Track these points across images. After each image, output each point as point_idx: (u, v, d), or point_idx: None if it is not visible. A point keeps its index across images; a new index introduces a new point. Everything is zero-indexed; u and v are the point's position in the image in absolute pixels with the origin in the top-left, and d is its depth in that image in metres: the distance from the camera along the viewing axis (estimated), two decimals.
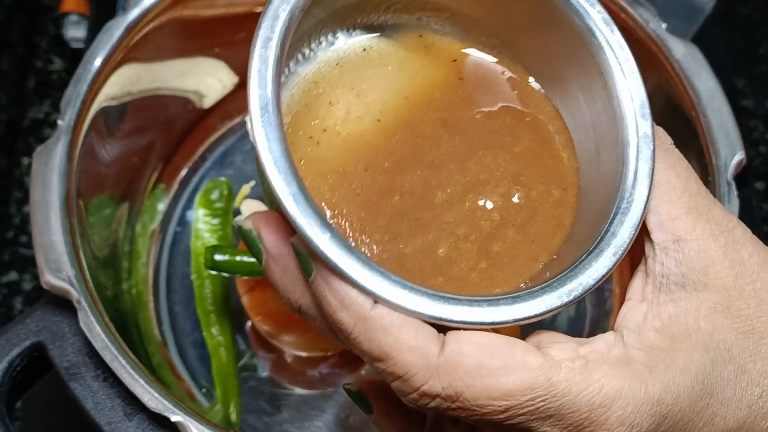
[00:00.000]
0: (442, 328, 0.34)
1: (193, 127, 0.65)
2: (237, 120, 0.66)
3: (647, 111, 0.38)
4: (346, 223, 0.38)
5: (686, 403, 0.35)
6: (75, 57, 0.79)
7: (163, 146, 0.63)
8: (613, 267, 0.36)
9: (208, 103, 0.65)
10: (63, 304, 0.47)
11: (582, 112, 0.41)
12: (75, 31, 0.77)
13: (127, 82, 0.56)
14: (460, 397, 0.33)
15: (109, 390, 0.46)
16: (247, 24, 0.62)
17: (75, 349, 0.47)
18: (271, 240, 0.36)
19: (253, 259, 0.53)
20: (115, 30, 0.54)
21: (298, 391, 0.59)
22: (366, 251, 0.38)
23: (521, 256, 0.40)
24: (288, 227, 0.36)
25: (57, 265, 0.47)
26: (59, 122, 0.51)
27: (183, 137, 0.65)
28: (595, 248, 0.36)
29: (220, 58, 0.63)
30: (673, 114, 0.54)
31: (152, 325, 0.60)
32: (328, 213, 0.37)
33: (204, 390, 0.58)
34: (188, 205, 0.64)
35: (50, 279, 0.46)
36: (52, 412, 0.60)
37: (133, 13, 0.55)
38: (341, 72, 0.40)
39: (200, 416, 0.44)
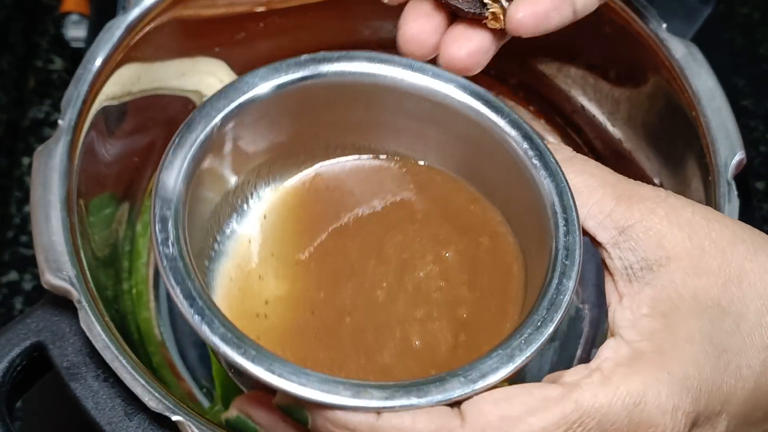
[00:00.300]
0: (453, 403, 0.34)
1: None
2: None
3: (526, 129, 0.39)
4: (324, 370, 0.38)
5: (709, 367, 0.35)
6: (75, 57, 0.79)
7: (164, 146, 0.62)
8: (577, 276, 0.36)
9: None
10: (63, 304, 0.47)
11: (474, 165, 0.41)
12: (75, 31, 0.77)
13: (128, 81, 0.56)
14: None
15: (110, 390, 0.46)
16: (247, 24, 0.62)
17: (75, 349, 0.47)
18: (260, 413, 0.37)
19: None
20: (115, 30, 0.54)
21: None
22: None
23: (490, 313, 0.40)
24: (268, 394, 0.36)
25: (57, 264, 0.47)
26: (60, 122, 0.51)
27: None
28: (550, 278, 0.37)
29: (220, 57, 0.63)
30: (673, 114, 0.54)
31: (152, 325, 0.60)
32: None
33: (204, 390, 0.58)
34: None
35: (50, 279, 0.46)
36: (53, 412, 0.60)
37: (134, 13, 0.55)
38: (254, 248, 0.41)
39: (201, 416, 0.44)
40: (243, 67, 0.65)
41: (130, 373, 0.45)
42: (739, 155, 0.51)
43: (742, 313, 0.36)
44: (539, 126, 0.66)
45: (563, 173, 0.38)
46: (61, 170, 0.50)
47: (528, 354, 0.35)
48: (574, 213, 0.37)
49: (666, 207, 0.37)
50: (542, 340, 0.35)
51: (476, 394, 0.34)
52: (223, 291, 0.40)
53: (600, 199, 0.38)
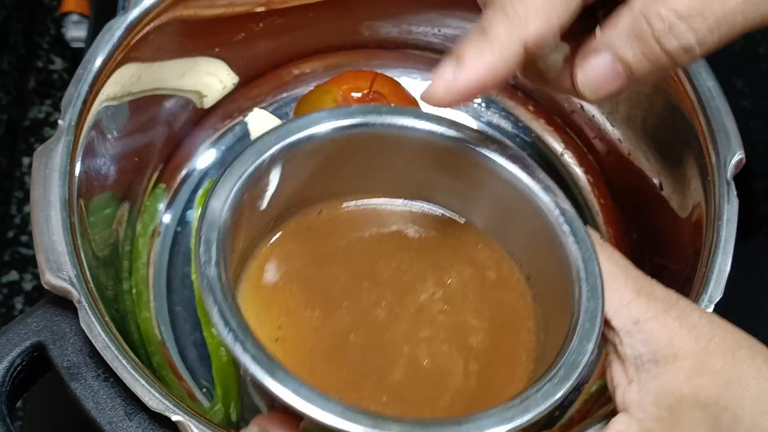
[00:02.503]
0: None
1: (193, 127, 0.65)
2: (237, 120, 0.66)
3: (560, 196, 0.40)
4: (339, 392, 0.39)
5: None
6: (75, 57, 0.79)
7: (164, 146, 0.63)
8: (597, 340, 0.38)
9: (208, 102, 0.65)
10: (63, 304, 0.47)
11: (503, 225, 0.43)
12: (76, 31, 0.77)
13: (128, 81, 0.56)
14: None
15: (110, 390, 0.46)
16: (247, 24, 0.62)
17: (75, 349, 0.47)
18: None
19: None
20: (115, 30, 0.54)
21: None
22: (369, 404, 0.40)
23: (502, 348, 0.42)
24: (291, 417, 0.38)
25: (58, 265, 0.47)
26: (60, 122, 0.51)
27: (183, 137, 0.65)
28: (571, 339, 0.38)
29: (220, 57, 0.63)
30: (673, 114, 0.54)
31: (152, 324, 0.60)
32: None
33: (204, 390, 0.58)
34: (189, 204, 0.64)
35: (51, 279, 0.46)
36: (53, 412, 0.60)
37: (134, 13, 0.55)
38: (267, 275, 0.43)
39: (201, 416, 0.44)
40: (243, 67, 0.65)
41: (130, 373, 0.45)
42: (739, 155, 0.51)
43: (739, 413, 0.38)
44: (539, 126, 0.66)
45: (592, 244, 0.39)
46: (62, 170, 0.50)
47: (543, 408, 0.36)
48: (599, 280, 0.39)
49: (677, 309, 0.40)
50: (558, 396, 0.37)
51: None
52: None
53: (621, 287, 0.40)
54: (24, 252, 0.73)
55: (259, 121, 0.65)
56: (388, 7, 0.65)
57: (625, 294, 0.40)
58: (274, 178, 0.41)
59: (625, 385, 0.40)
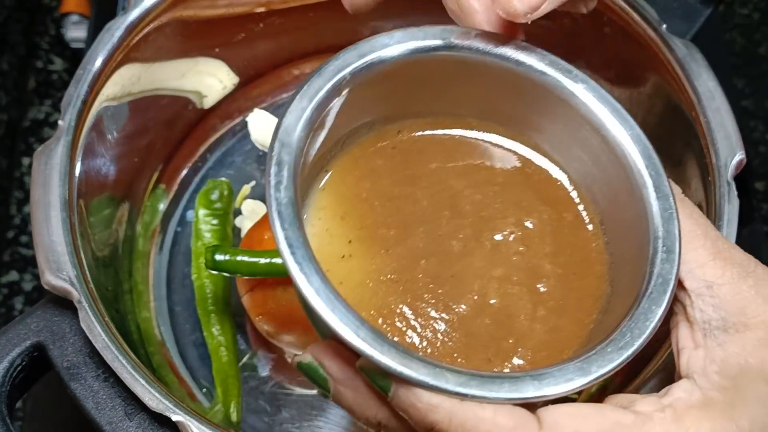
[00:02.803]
0: (529, 406, 0.35)
1: (193, 128, 0.65)
2: (237, 120, 0.66)
3: (648, 147, 0.39)
4: (403, 317, 0.39)
5: None
6: (75, 57, 0.79)
7: (164, 146, 0.63)
8: (667, 306, 0.37)
9: (208, 103, 0.65)
10: (63, 304, 0.47)
11: (583, 169, 0.41)
12: (75, 32, 0.77)
13: (128, 82, 0.56)
14: None
15: (110, 390, 0.46)
16: (247, 24, 0.62)
17: (75, 349, 0.47)
18: (335, 366, 0.37)
19: (254, 259, 0.53)
20: (115, 30, 0.54)
21: (299, 391, 0.59)
22: (431, 332, 0.38)
23: (572, 297, 0.40)
24: (346, 349, 0.36)
25: (57, 265, 0.47)
26: (60, 122, 0.51)
27: (183, 137, 0.65)
28: (644, 296, 0.37)
29: (220, 58, 0.63)
30: (673, 114, 0.54)
31: (152, 325, 0.60)
32: (380, 320, 0.38)
33: (204, 390, 0.58)
34: (188, 205, 0.64)
35: (51, 279, 0.46)
36: (53, 412, 0.60)
37: (134, 14, 0.55)
38: (341, 189, 0.41)
39: (201, 416, 0.44)
40: (243, 68, 0.65)
41: (130, 373, 0.45)
42: (739, 155, 0.51)
43: None
44: None
45: (675, 201, 0.38)
46: (61, 171, 0.50)
47: (604, 372, 0.35)
48: (677, 242, 0.37)
49: (755, 277, 0.38)
50: (620, 360, 0.35)
51: (548, 399, 0.35)
52: (313, 230, 0.40)
53: (698, 248, 0.38)
54: (24, 252, 0.73)
55: (259, 121, 0.65)
56: (388, 7, 0.65)
57: (702, 255, 0.38)
58: (352, 95, 0.39)
59: (690, 350, 0.38)
